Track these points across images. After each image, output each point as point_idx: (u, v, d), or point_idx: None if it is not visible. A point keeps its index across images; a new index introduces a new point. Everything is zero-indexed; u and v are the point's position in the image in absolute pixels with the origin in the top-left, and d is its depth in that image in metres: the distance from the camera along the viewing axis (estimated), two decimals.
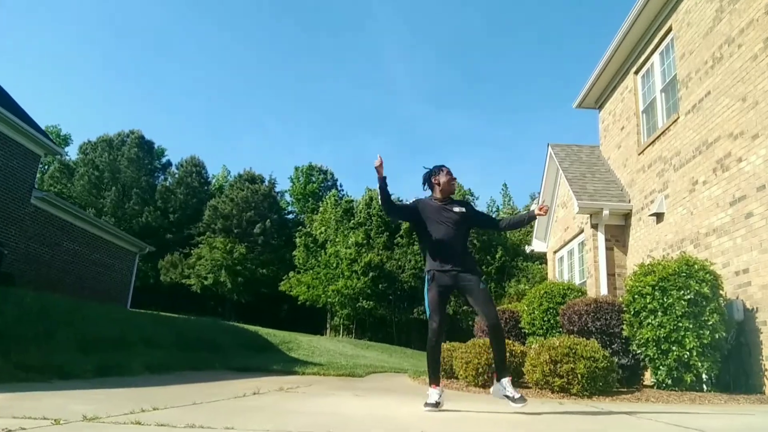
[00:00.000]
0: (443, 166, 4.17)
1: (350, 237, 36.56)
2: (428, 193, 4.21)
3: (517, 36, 75.10)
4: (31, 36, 69.94)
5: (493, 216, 4.64)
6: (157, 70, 76.71)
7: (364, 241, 36.27)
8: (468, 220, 4.06)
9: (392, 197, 4.00)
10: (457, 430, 2.71)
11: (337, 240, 37.13)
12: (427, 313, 3.89)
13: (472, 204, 4.43)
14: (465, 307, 34.73)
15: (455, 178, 4.13)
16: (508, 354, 6.17)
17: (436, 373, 3.86)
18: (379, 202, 4.02)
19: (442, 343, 4.04)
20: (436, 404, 3.67)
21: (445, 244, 3.88)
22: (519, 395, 3.61)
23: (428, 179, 4.16)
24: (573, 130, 66.34)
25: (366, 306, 33.56)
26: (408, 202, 4.27)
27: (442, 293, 3.86)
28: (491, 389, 3.84)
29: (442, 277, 3.84)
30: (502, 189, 57.51)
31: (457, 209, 4.02)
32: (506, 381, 3.69)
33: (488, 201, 56.40)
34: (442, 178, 4.10)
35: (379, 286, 34.42)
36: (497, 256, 36.98)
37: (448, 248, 3.87)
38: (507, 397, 3.63)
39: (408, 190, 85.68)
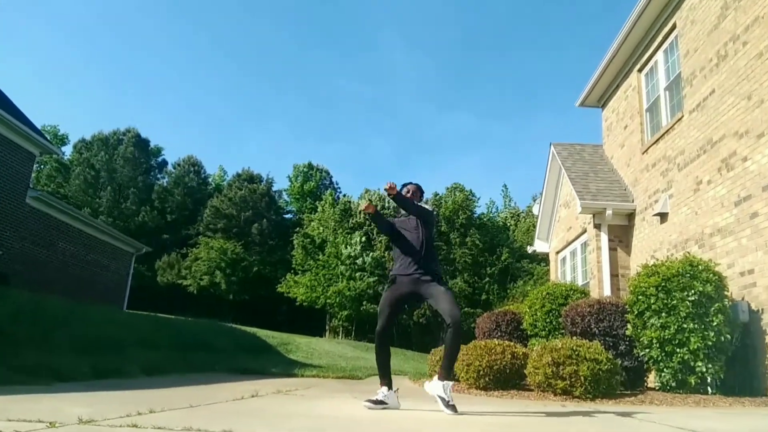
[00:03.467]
0: (406, 184, 4.49)
1: (354, 236, 36.58)
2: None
3: (520, 35, 75.12)
4: (27, 35, 69.99)
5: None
6: (152, 69, 76.76)
7: (365, 242, 36.31)
8: (422, 225, 4.28)
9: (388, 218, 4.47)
10: None
11: (336, 240, 37.12)
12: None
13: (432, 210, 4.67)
14: (467, 309, 34.78)
15: (410, 194, 4.41)
16: (509, 356, 6.23)
17: (381, 372, 4.02)
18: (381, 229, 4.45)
19: (386, 345, 4.11)
20: (377, 402, 3.79)
21: (408, 251, 4.15)
22: (453, 403, 3.61)
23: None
24: (576, 129, 66.46)
25: (370, 309, 33.49)
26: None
27: (397, 298, 4.08)
28: (427, 384, 3.86)
29: (402, 282, 4.06)
30: (503, 190, 57.63)
31: (415, 220, 4.31)
32: (448, 384, 3.70)
33: (488, 202, 56.48)
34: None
35: (378, 282, 34.49)
36: (502, 257, 36.96)
37: (410, 255, 4.14)
38: (440, 397, 3.64)
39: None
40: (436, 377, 3.80)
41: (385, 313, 4.02)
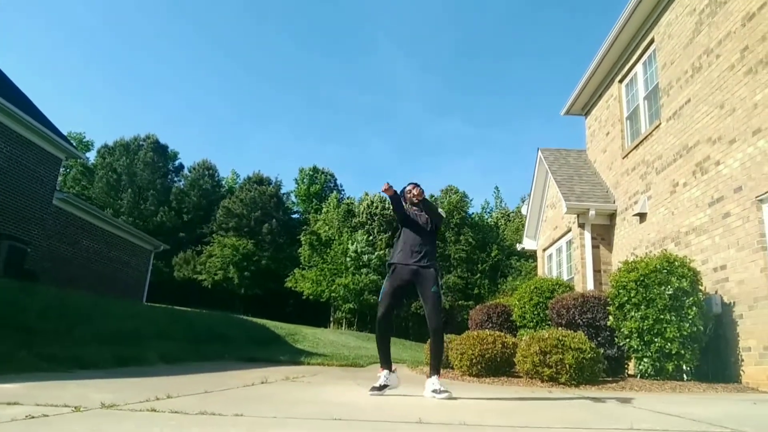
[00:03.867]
0: (409, 184, 4.33)
1: (358, 235, 36.61)
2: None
3: (515, 42, 74.94)
4: (54, 45, 70.00)
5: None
6: (169, 77, 76.73)
7: (371, 239, 36.35)
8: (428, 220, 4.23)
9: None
10: (452, 417, 2.71)
11: (342, 239, 37.14)
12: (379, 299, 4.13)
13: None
14: (461, 302, 34.77)
15: (417, 192, 4.21)
16: (500, 346, 6.22)
17: (382, 357, 4.01)
18: (398, 216, 4.18)
19: (387, 332, 4.08)
20: (380, 387, 3.79)
21: (409, 242, 4.09)
22: (445, 389, 3.68)
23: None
24: (566, 135, 66.34)
25: (371, 300, 33.53)
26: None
27: (397, 286, 4.00)
28: (424, 391, 3.82)
29: (402, 271, 4.00)
30: (495, 191, 57.63)
31: (422, 214, 4.24)
32: (435, 378, 3.78)
33: (482, 203, 56.49)
34: (408, 192, 4.25)
35: (378, 277, 34.53)
36: (492, 254, 36.96)
37: (411, 246, 4.07)
38: (433, 391, 3.69)
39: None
40: (427, 380, 3.86)
41: (385, 301, 3.97)
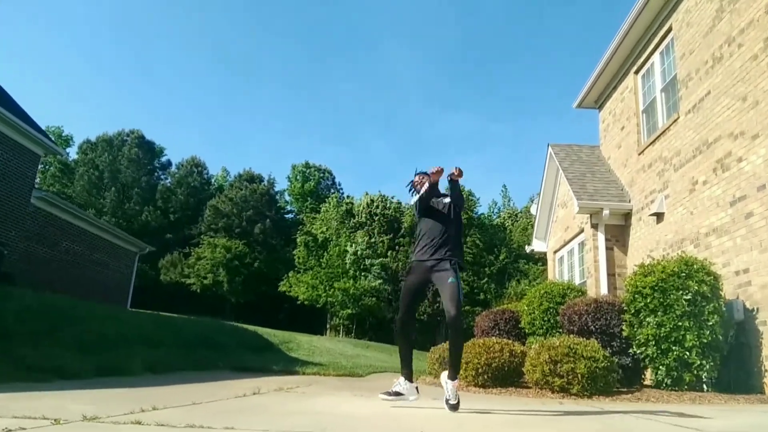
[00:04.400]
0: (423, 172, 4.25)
1: (358, 236, 36.62)
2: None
3: (522, 37, 75.02)
4: (32, 36, 69.98)
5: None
6: (156, 70, 76.73)
7: (372, 241, 36.42)
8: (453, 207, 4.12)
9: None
10: (456, 431, 2.72)
11: (339, 240, 37.15)
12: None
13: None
14: (466, 308, 34.75)
15: (435, 175, 4.06)
16: (507, 354, 6.22)
17: (402, 363, 3.94)
18: (423, 198, 4.03)
19: (408, 336, 4.06)
20: (393, 393, 3.74)
21: (432, 234, 3.98)
22: (456, 402, 3.58)
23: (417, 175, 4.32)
24: (579, 131, 66.41)
25: (369, 303, 33.55)
26: (423, 178, 4.25)
27: (415, 286, 3.96)
28: (443, 374, 3.78)
29: (418, 268, 3.95)
30: (502, 190, 57.62)
31: (445, 201, 4.13)
32: (450, 383, 3.62)
33: (490, 203, 56.53)
34: (430, 173, 4.11)
35: (379, 280, 34.64)
36: (501, 257, 36.99)
37: (431, 238, 3.97)
38: (446, 401, 3.61)
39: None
40: (446, 384, 3.70)
41: (405, 301, 3.93)
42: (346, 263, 34.95)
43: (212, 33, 76.93)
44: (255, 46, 78.89)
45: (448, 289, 3.72)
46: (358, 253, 35.14)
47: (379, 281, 34.11)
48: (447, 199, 4.10)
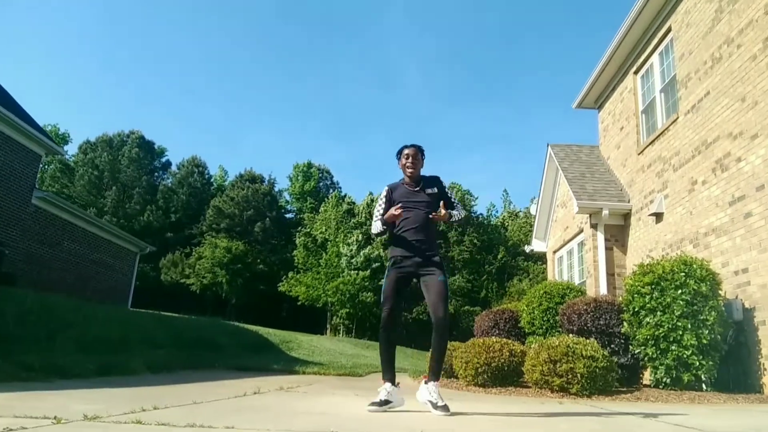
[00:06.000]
0: (403, 147, 3.86)
1: (351, 236, 36.67)
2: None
3: (525, 36, 74.95)
4: (29, 34, 69.97)
5: (456, 208, 3.91)
6: (156, 70, 76.69)
7: (363, 241, 36.45)
8: (439, 201, 3.74)
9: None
10: (456, 430, 2.72)
11: (337, 240, 37.19)
12: (381, 299, 3.69)
13: (444, 186, 3.87)
14: (466, 307, 34.78)
15: (411, 164, 3.79)
16: (507, 354, 6.22)
17: (385, 366, 3.63)
18: (376, 232, 3.80)
19: (392, 335, 3.71)
20: (381, 403, 3.46)
21: (413, 232, 3.67)
22: (443, 403, 3.37)
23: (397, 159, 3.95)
24: (578, 130, 66.34)
25: (365, 299, 33.53)
26: (382, 196, 3.90)
27: (400, 280, 3.67)
28: (417, 392, 3.56)
29: (405, 263, 3.66)
30: (503, 194, 57.63)
31: (428, 191, 3.80)
32: (433, 385, 3.46)
33: (488, 205, 56.47)
34: (401, 164, 3.85)
35: (380, 279, 34.59)
36: (499, 256, 37.02)
37: (414, 234, 3.67)
38: (430, 402, 3.41)
39: None
40: (422, 383, 3.54)
41: (389, 300, 3.62)
42: (341, 264, 35.02)
43: (214, 36, 76.87)
44: (257, 44, 78.82)
45: (436, 286, 3.55)
46: (349, 254, 35.23)
47: (367, 272, 34.14)
48: (429, 190, 3.79)
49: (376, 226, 3.78)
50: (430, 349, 3.69)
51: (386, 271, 3.78)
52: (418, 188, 3.81)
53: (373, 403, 3.48)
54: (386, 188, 3.91)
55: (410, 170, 3.81)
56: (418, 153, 3.83)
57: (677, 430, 2.98)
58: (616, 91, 10.38)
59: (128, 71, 75.72)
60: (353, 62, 79.56)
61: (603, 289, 8.99)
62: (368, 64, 79.26)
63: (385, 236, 3.87)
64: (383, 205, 3.83)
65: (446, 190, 3.92)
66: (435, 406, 3.38)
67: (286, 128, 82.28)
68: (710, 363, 5.65)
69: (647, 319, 5.92)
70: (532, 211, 15.26)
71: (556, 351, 5.48)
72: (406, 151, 3.83)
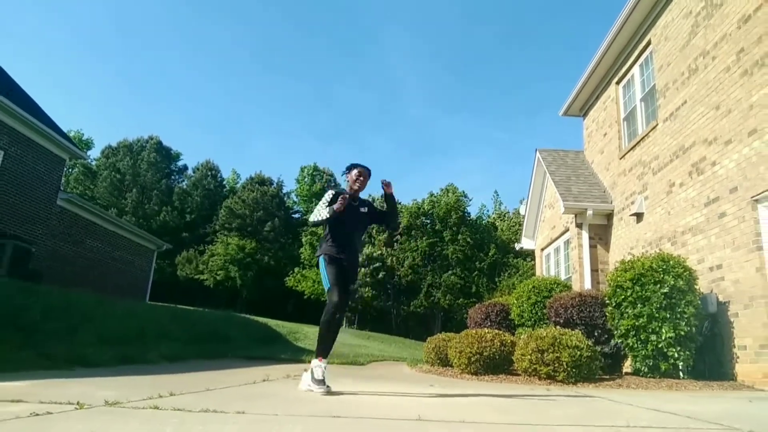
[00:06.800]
0: (355, 166, 4.02)
1: None
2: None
3: (517, 47, 74.70)
4: (52, 42, 70.01)
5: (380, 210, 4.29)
6: (171, 77, 76.70)
7: (372, 240, 36.49)
8: (369, 220, 4.07)
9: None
10: (451, 415, 2.72)
11: None
12: (327, 287, 3.72)
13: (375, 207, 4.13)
14: (460, 300, 34.75)
15: (360, 182, 3.95)
16: (498, 344, 6.22)
17: (327, 347, 3.78)
18: (320, 219, 3.83)
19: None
20: (323, 381, 3.51)
21: (346, 237, 3.86)
22: (319, 378, 3.52)
23: (344, 173, 4.10)
24: (565, 136, 66.23)
25: (365, 294, 33.59)
26: (328, 197, 3.95)
27: (339, 271, 3.76)
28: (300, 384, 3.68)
29: (342, 257, 3.81)
30: (494, 196, 57.53)
31: (363, 210, 4.01)
32: (313, 363, 3.62)
33: (480, 206, 56.50)
34: (350, 178, 4.00)
35: (379, 275, 34.65)
36: (490, 253, 37.00)
37: (348, 241, 3.86)
38: (309, 385, 3.56)
39: (410, 189, 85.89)
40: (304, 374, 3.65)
41: (339, 285, 3.67)
42: None
43: (218, 41, 76.89)
44: (258, 49, 78.86)
45: (353, 294, 3.84)
46: None
47: (371, 267, 34.18)
48: (363, 209, 4.00)
49: (322, 214, 3.81)
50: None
51: (323, 264, 3.81)
52: (356, 204, 3.98)
53: (316, 381, 3.53)
54: (334, 191, 3.97)
55: (358, 187, 3.98)
56: (369, 176, 4.02)
57: (656, 415, 2.98)
58: (600, 100, 10.38)
59: (145, 82, 75.73)
60: (358, 74, 79.52)
61: (587, 284, 8.99)
62: (371, 76, 79.21)
63: (322, 227, 3.97)
64: (329, 199, 3.90)
65: (375, 209, 4.14)
66: (314, 380, 3.55)
67: (293, 133, 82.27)
68: (687, 353, 5.65)
69: (628, 311, 5.93)
70: (522, 211, 15.25)
71: (544, 341, 5.49)
72: (360, 170, 3.99)
